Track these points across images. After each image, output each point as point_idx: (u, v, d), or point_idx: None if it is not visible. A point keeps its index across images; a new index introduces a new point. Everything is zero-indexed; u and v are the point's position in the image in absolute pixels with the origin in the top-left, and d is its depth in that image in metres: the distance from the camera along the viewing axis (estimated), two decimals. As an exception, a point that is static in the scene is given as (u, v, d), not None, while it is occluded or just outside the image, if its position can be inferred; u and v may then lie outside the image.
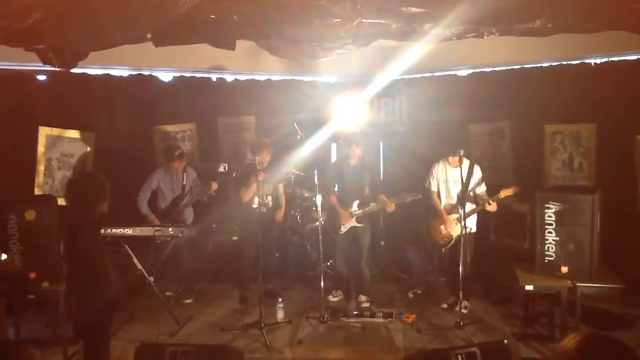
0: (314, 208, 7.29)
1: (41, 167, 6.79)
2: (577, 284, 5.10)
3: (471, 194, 6.06)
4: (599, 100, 6.56)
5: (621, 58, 6.35)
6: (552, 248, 5.30)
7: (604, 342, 1.73)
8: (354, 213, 6.42)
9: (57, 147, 6.91)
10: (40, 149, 6.77)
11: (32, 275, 5.31)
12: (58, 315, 5.31)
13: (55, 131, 6.90)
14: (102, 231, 5.09)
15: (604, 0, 4.40)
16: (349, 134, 6.59)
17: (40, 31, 4.42)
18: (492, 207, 5.85)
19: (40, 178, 6.78)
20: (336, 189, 6.56)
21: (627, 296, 5.42)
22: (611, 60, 6.44)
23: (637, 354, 1.68)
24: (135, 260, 5.83)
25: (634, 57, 6.25)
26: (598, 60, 6.51)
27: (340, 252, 6.67)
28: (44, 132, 6.80)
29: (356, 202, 6.43)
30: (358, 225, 6.46)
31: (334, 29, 5.26)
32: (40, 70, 6.21)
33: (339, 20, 5.01)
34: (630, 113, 6.31)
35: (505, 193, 5.78)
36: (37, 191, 6.75)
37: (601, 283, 5.16)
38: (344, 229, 6.50)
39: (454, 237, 6.09)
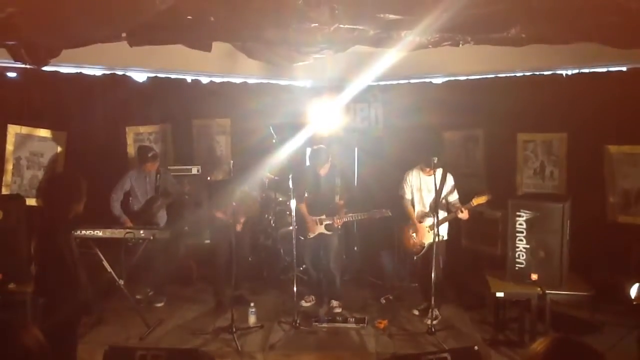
0: (287, 212, 7.28)
1: (9, 166, 6.63)
2: (547, 291, 5.18)
3: (443, 202, 6.11)
4: (570, 110, 6.68)
5: (592, 70, 6.48)
6: (522, 255, 5.37)
7: (572, 345, 1.76)
8: (322, 220, 6.43)
9: (27, 146, 6.76)
10: (9, 147, 6.62)
11: (-2, 276, 5.20)
12: (25, 317, 5.18)
13: (25, 130, 6.75)
14: (73, 232, 5.00)
15: (578, 12, 4.47)
16: (316, 150, 6.57)
17: (12, 26, 4.33)
18: (464, 215, 5.90)
19: (8, 177, 6.62)
20: (306, 195, 6.56)
21: (596, 303, 5.53)
22: (582, 72, 6.57)
23: (604, 357, 1.70)
24: (105, 262, 5.74)
25: (604, 69, 6.39)
26: (570, 72, 6.64)
27: (308, 255, 6.67)
28: (13, 130, 6.65)
29: (325, 211, 6.44)
30: (327, 232, 6.47)
31: (311, 34, 5.26)
32: (11, 67, 6.08)
33: (317, 25, 5.01)
34: (600, 123, 6.45)
35: (477, 201, 5.84)
36: (4, 190, 6.59)
37: (570, 290, 5.26)
38: (312, 235, 6.51)
39: (426, 245, 6.12)
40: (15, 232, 5.35)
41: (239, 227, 6.35)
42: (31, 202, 6.54)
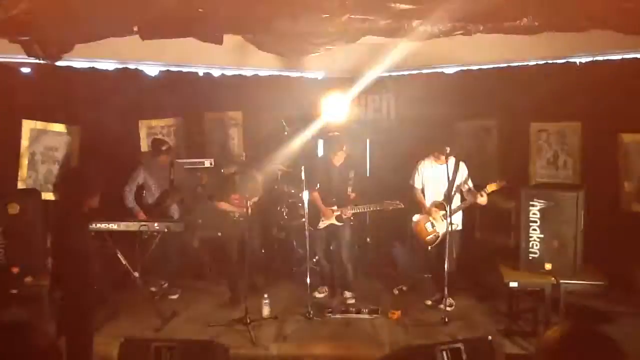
0: (300, 204, 7.29)
1: (25, 161, 6.70)
2: (561, 281, 5.16)
3: (458, 190, 6.08)
4: (583, 99, 6.61)
5: (606, 58, 6.40)
6: (536, 245, 5.35)
7: (588, 333, 1.75)
8: (333, 211, 6.44)
9: (41, 141, 6.83)
10: (24, 142, 6.69)
11: (15, 269, 5.26)
12: (41, 310, 5.25)
13: (39, 125, 6.82)
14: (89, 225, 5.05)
15: (591, -1, 4.43)
16: (331, 137, 6.56)
17: (25, 22, 4.36)
18: (483, 199, 5.86)
19: (23, 172, 6.69)
20: (318, 186, 6.56)
21: (610, 293, 5.50)
22: (595, 60, 6.49)
23: (619, 346, 1.70)
24: (120, 255, 5.79)
25: (618, 57, 6.31)
26: (583, 60, 6.55)
27: (320, 246, 6.68)
28: (27, 125, 6.72)
29: (337, 202, 6.45)
30: (337, 223, 6.47)
31: (322, 25, 5.24)
32: (25, 62, 6.11)
33: (327, 15, 4.99)
34: (614, 112, 6.38)
35: (491, 187, 5.82)
36: (20, 185, 6.66)
37: (584, 280, 5.23)
38: (322, 225, 6.52)
39: (440, 234, 6.11)
40: (31, 226, 5.42)
41: (248, 211, 6.28)
42: (46, 196, 6.60)
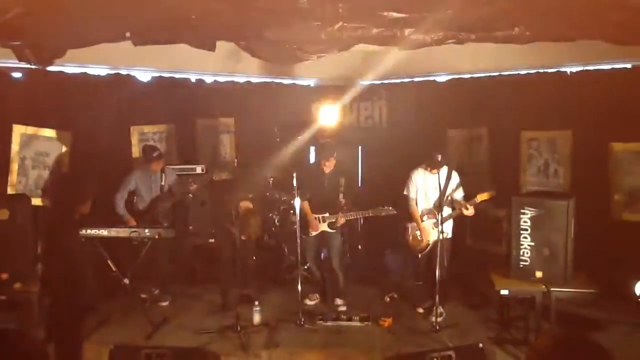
0: (292, 211, 7.29)
1: (15, 166, 6.65)
2: (552, 289, 5.17)
3: (449, 199, 6.10)
4: (574, 108, 6.66)
5: (596, 67, 6.46)
6: (527, 253, 5.36)
7: (578, 341, 1.76)
8: (325, 218, 6.44)
9: (32, 146, 6.78)
10: (15, 147, 6.64)
11: (4, 275, 5.21)
12: (31, 317, 5.20)
13: (30, 130, 6.77)
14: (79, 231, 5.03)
15: (582, 10, 4.46)
16: (321, 145, 6.58)
17: (17, 27, 4.35)
18: (469, 211, 5.90)
19: (13, 177, 6.64)
20: (308, 196, 6.56)
21: (601, 301, 5.51)
22: (586, 69, 6.55)
23: (609, 354, 1.71)
24: (110, 261, 5.75)
25: (608, 67, 6.37)
26: (574, 69, 6.61)
27: (310, 253, 6.67)
28: (18, 130, 6.67)
29: (328, 209, 6.45)
30: (329, 230, 6.47)
31: (315, 32, 5.26)
32: (16, 67, 6.09)
33: (320, 23, 5.01)
34: (605, 121, 6.43)
35: (481, 197, 5.84)
36: (10, 190, 6.61)
37: (575, 288, 5.25)
38: (313, 233, 6.52)
39: (430, 242, 6.12)
40: (20, 231, 5.36)
41: (243, 237, 6.34)
42: (36, 201, 6.56)
